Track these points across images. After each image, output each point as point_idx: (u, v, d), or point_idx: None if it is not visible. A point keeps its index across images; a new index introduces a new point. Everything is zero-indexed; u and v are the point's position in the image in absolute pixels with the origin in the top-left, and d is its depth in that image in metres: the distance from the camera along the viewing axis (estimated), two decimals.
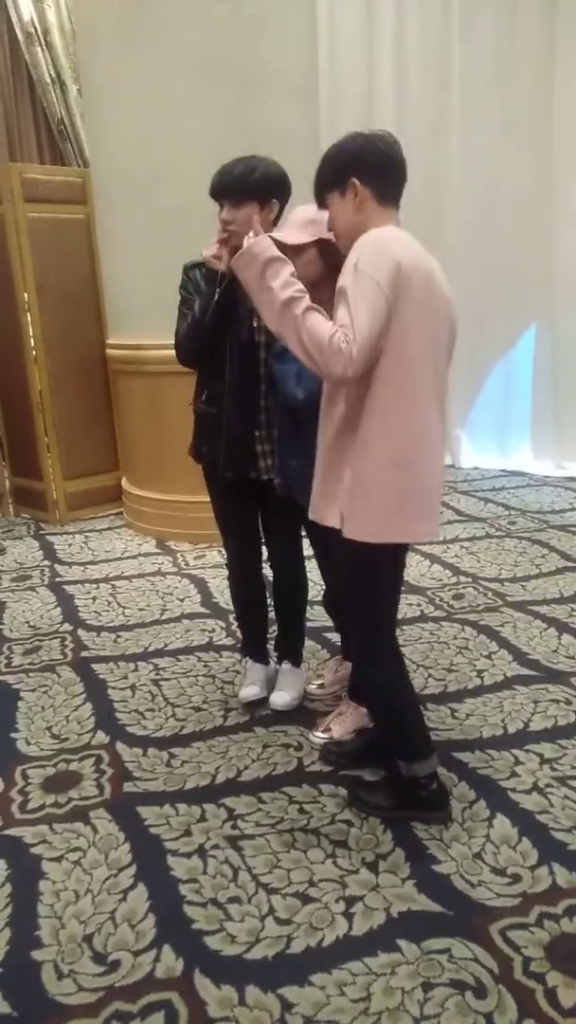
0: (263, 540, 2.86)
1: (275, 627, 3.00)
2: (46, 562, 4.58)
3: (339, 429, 2.01)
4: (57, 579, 4.28)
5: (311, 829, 2.23)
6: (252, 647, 3.01)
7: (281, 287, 1.88)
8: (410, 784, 2.23)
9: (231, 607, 3.19)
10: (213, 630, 3.55)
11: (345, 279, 1.84)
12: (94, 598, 3.99)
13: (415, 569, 4.14)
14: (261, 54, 4.24)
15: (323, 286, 2.22)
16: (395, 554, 2.15)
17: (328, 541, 2.22)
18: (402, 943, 1.83)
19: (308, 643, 3.12)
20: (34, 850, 2.19)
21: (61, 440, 5.22)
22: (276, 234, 2.15)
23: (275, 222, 2.41)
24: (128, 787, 2.46)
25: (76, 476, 5.35)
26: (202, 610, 3.78)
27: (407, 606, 3.67)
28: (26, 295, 4.97)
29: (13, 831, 2.28)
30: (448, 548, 4.48)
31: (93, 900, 2.00)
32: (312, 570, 2.88)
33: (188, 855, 2.15)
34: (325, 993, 1.71)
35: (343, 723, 2.66)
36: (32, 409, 5.15)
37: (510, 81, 5.82)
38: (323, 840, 2.19)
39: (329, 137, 5.23)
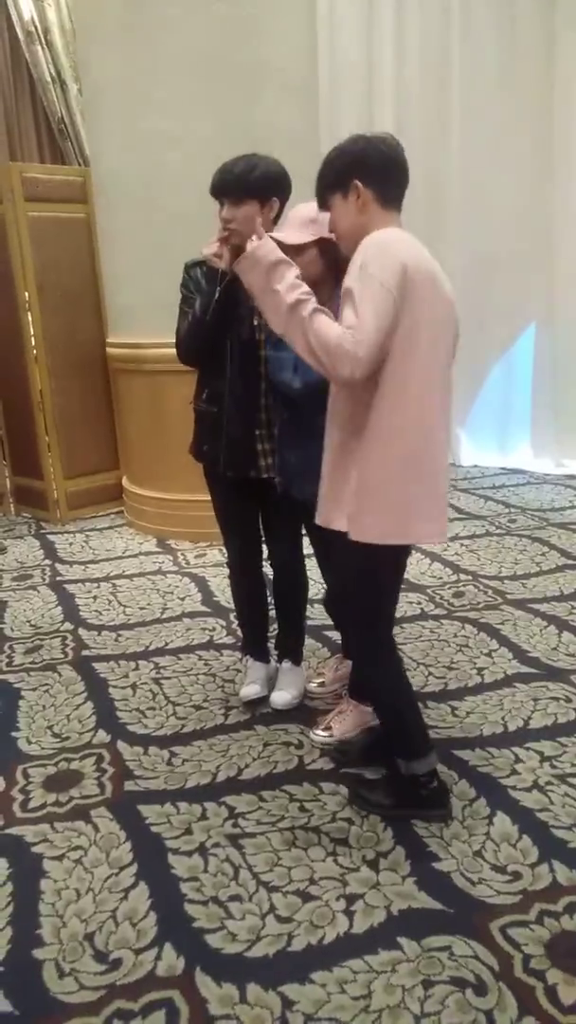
0: (263, 539, 2.86)
1: (275, 626, 3.00)
2: (47, 561, 4.58)
3: (346, 432, 2.01)
4: (58, 578, 4.29)
5: (312, 827, 2.23)
6: (253, 646, 3.02)
7: (287, 290, 1.89)
8: (410, 782, 2.23)
9: (231, 606, 3.19)
10: (214, 629, 3.56)
11: (351, 281, 1.84)
12: (95, 597, 4.00)
13: (415, 567, 4.14)
14: (261, 53, 4.24)
15: (323, 285, 2.23)
16: (398, 555, 2.16)
17: (328, 541, 2.22)
18: (403, 941, 1.83)
19: (308, 641, 3.12)
20: (35, 849, 2.20)
21: (61, 439, 5.23)
22: (277, 234, 2.15)
23: (275, 220, 2.41)
24: (129, 786, 2.46)
25: (77, 475, 5.35)
26: (203, 609, 3.79)
27: (407, 604, 3.67)
28: (26, 294, 4.97)
29: (14, 830, 2.28)
30: (448, 546, 4.48)
31: (94, 898, 2.00)
32: (312, 568, 2.88)
33: (189, 853, 2.15)
34: (326, 991, 1.71)
35: (344, 721, 2.67)
36: (32, 408, 5.15)
37: (510, 81, 5.82)
38: (324, 838, 2.19)
39: (329, 136, 5.29)
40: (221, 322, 2.47)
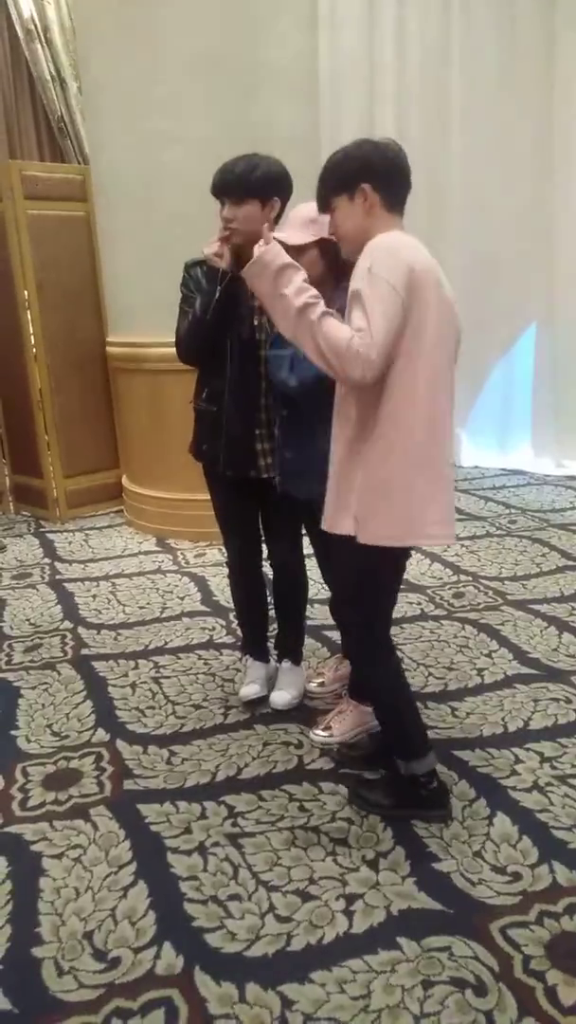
0: (263, 538, 2.86)
1: (275, 625, 3.00)
2: (46, 560, 4.58)
3: (353, 437, 2.00)
4: (57, 577, 4.28)
5: (311, 827, 2.23)
6: (252, 645, 3.01)
7: (295, 294, 1.89)
8: (410, 782, 2.23)
9: (231, 605, 3.19)
10: (213, 628, 3.55)
11: (359, 283, 1.84)
12: (94, 596, 3.99)
13: (415, 568, 4.14)
14: (262, 53, 4.24)
15: (323, 286, 2.22)
16: (399, 557, 2.16)
17: (329, 541, 2.22)
18: (402, 941, 1.83)
19: (308, 641, 3.12)
20: (34, 847, 2.20)
21: (61, 438, 5.22)
22: (278, 234, 2.15)
23: (276, 220, 2.41)
24: (128, 785, 2.46)
25: (76, 474, 5.35)
26: (202, 608, 3.78)
27: (407, 604, 3.67)
28: (26, 293, 4.97)
29: (13, 828, 2.28)
30: (448, 547, 4.48)
31: (93, 897, 2.00)
32: (312, 568, 2.88)
33: (188, 853, 2.15)
34: (325, 990, 1.71)
35: (343, 721, 2.66)
36: (32, 407, 5.15)
37: (510, 81, 5.81)
38: (323, 838, 2.19)
39: (330, 136, 5.30)
40: (221, 321, 2.47)
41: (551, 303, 6.03)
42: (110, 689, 3.04)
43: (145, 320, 4.51)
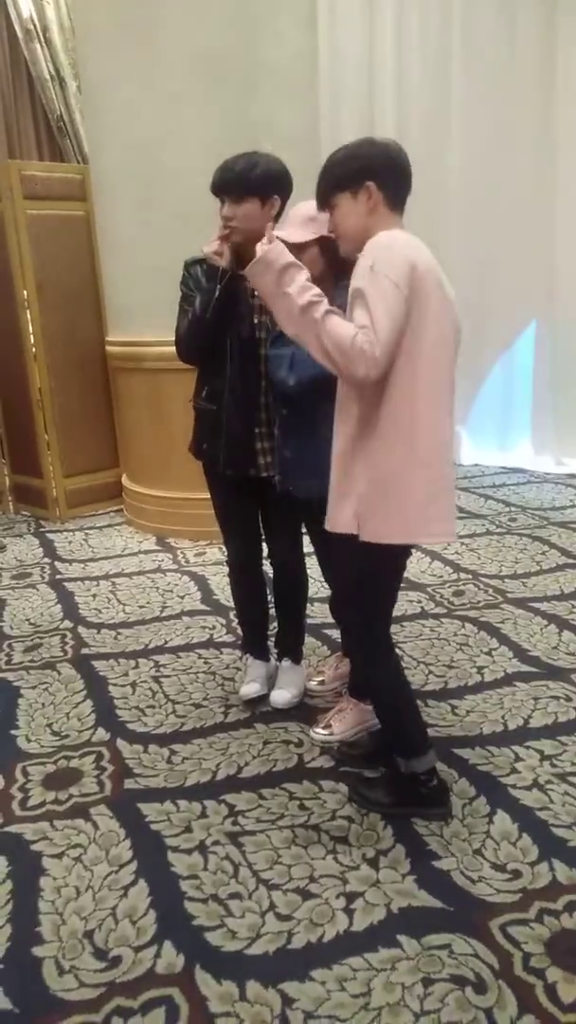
0: (263, 537, 2.86)
1: (275, 624, 3.00)
2: (46, 559, 4.58)
3: (354, 436, 2.00)
4: (57, 576, 4.28)
5: (312, 825, 2.23)
6: (252, 644, 3.01)
7: (299, 292, 1.89)
8: (410, 780, 2.23)
9: (231, 604, 3.19)
10: (213, 627, 3.56)
11: (361, 281, 1.84)
12: (94, 595, 3.99)
13: (415, 566, 4.14)
14: (261, 51, 4.23)
15: (323, 284, 2.22)
16: (400, 555, 2.16)
17: (329, 539, 2.22)
18: (402, 939, 1.83)
19: (308, 640, 3.12)
20: (35, 847, 2.20)
21: (61, 437, 5.22)
22: (278, 232, 2.15)
23: (276, 218, 2.41)
24: (129, 784, 2.46)
25: (76, 473, 5.35)
26: (202, 607, 3.78)
27: (408, 603, 3.67)
28: (26, 292, 4.97)
29: (14, 828, 2.28)
30: (448, 545, 4.47)
31: (94, 896, 2.00)
32: (312, 567, 2.88)
33: (189, 851, 2.15)
34: (326, 988, 1.71)
35: (344, 720, 2.67)
36: (32, 406, 5.15)
37: (511, 80, 5.81)
38: (323, 836, 2.19)
39: (329, 135, 5.29)
40: (221, 320, 2.47)
41: (551, 301, 6.03)
42: (110, 688, 3.05)
43: (145, 319, 4.51)
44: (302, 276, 1.92)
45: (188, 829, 2.24)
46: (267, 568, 2.90)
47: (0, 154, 6.84)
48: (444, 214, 5.95)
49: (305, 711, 2.83)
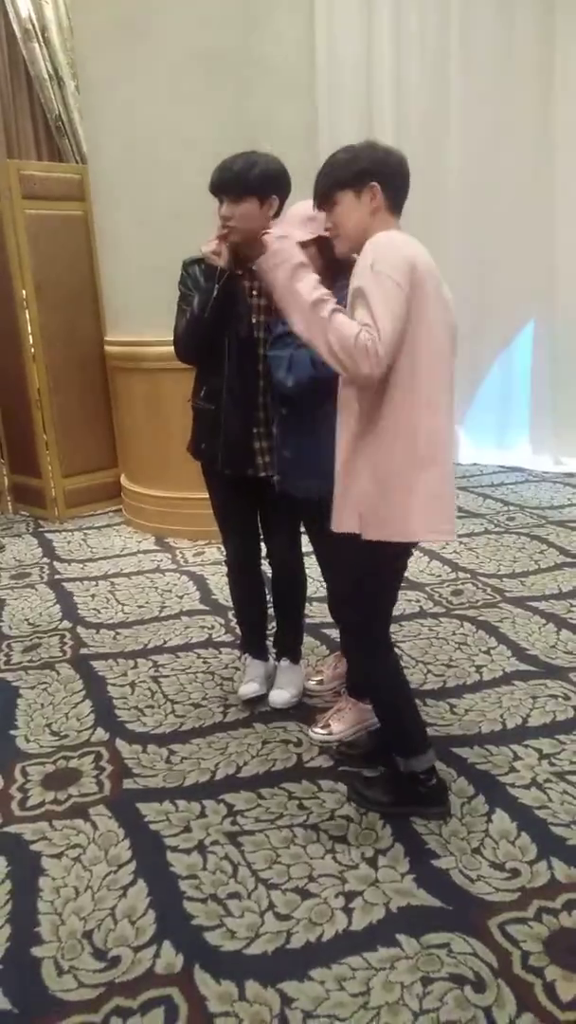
0: (262, 537, 2.86)
1: (274, 623, 3.00)
2: (45, 559, 4.58)
3: (356, 435, 2.01)
4: (56, 576, 4.28)
5: (310, 825, 2.23)
6: (251, 644, 3.01)
7: (309, 289, 1.89)
8: (409, 779, 2.23)
9: (230, 604, 3.19)
10: (212, 627, 3.56)
11: (362, 280, 1.85)
12: (93, 595, 3.99)
13: (414, 565, 4.13)
14: (259, 51, 4.23)
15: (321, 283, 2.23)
16: (401, 554, 2.17)
17: (328, 539, 2.22)
18: (401, 938, 1.83)
19: (307, 639, 3.12)
20: (34, 847, 2.20)
21: (60, 437, 5.22)
22: (276, 231, 2.16)
23: (274, 218, 2.41)
24: (128, 784, 2.46)
25: (75, 473, 5.35)
26: (201, 607, 3.78)
27: (406, 602, 3.67)
28: (24, 292, 4.96)
29: (13, 828, 2.28)
30: (447, 544, 4.47)
31: (93, 896, 2.00)
32: (311, 567, 2.88)
33: (188, 851, 2.15)
34: (324, 988, 1.71)
35: (342, 719, 2.67)
36: (31, 406, 5.15)
37: (510, 79, 5.81)
38: (322, 836, 2.19)
39: (328, 134, 5.29)
40: (219, 319, 2.47)
41: (549, 300, 6.03)
42: (109, 688, 3.05)
43: (143, 319, 4.51)
44: (313, 277, 1.93)
45: (187, 829, 2.24)
46: (266, 568, 2.90)
47: None
48: (443, 213, 5.94)
49: (304, 711, 2.83)
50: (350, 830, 2.21)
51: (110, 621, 3.67)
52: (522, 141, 5.85)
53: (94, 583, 4.16)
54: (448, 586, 3.91)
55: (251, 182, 2.33)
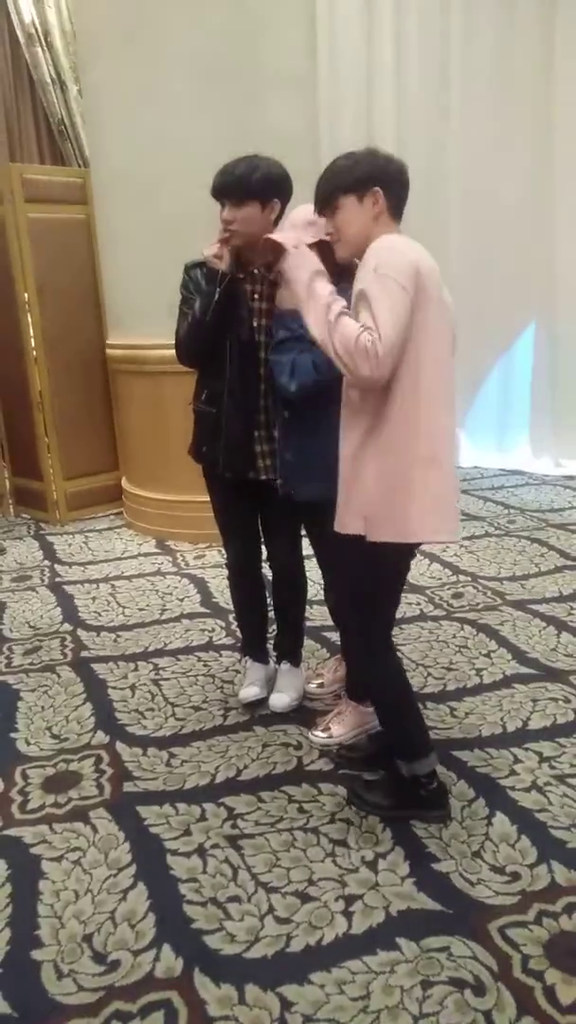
0: (263, 540, 2.86)
1: (274, 627, 3.00)
2: (46, 562, 4.58)
3: (361, 438, 2.01)
4: (57, 579, 4.29)
5: (311, 828, 2.23)
6: (252, 647, 3.01)
7: (324, 293, 1.93)
8: (410, 783, 2.23)
9: (231, 607, 3.19)
10: (213, 630, 3.56)
11: (365, 283, 1.86)
12: (94, 598, 3.99)
13: (415, 568, 4.13)
14: (261, 55, 4.24)
15: None
16: (404, 557, 2.17)
17: (330, 542, 2.22)
18: (401, 941, 1.83)
19: (307, 642, 3.12)
20: (34, 850, 2.20)
21: (61, 440, 5.23)
22: (277, 236, 2.17)
23: (276, 222, 2.41)
24: (128, 787, 2.46)
25: (76, 476, 5.35)
26: (202, 610, 3.79)
27: (407, 605, 3.67)
28: (26, 295, 4.97)
29: (13, 831, 2.28)
30: (447, 547, 4.47)
31: (93, 900, 2.00)
32: (312, 570, 2.88)
33: (188, 854, 2.15)
34: (324, 991, 1.71)
35: (343, 722, 2.67)
36: (32, 409, 5.15)
37: (510, 81, 5.81)
38: (322, 839, 2.19)
39: (329, 138, 5.28)
40: (221, 323, 2.47)
41: (550, 302, 6.03)
42: (110, 691, 3.05)
43: (145, 322, 4.51)
44: (328, 284, 1.97)
45: (187, 832, 2.24)
46: (266, 571, 2.90)
47: (1, 157, 6.84)
48: (443, 216, 5.94)
49: (304, 714, 2.83)
50: (350, 833, 2.20)
51: (111, 624, 3.67)
52: (523, 144, 5.84)
53: (95, 586, 4.16)
54: (448, 589, 3.90)
55: (253, 186, 2.33)
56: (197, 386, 2.67)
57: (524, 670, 3.07)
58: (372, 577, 2.14)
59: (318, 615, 3.43)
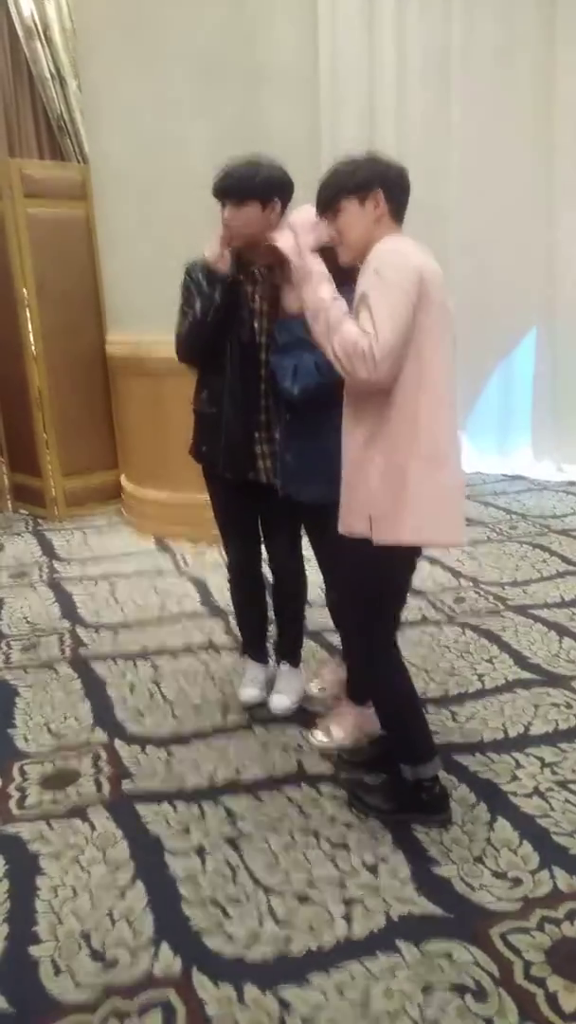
0: (263, 540, 2.84)
1: (274, 627, 2.99)
2: (44, 559, 4.56)
3: (364, 440, 2.01)
4: (55, 576, 4.27)
5: (311, 830, 2.22)
6: (251, 647, 3.00)
7: (329, 296, 1.95)
8: (412, 787, 2.22)
9: (230, 607, 3.17)
10: (212, 629, 3.54)
11: (366, 286, 1.86)
12: (92, 596, 3.98)
13: (416, 572, 4.10)
14: (262, 54, 4.23)
15: None
16: (407, 559, 2.16)
17: (332, 544, 2.21)
18: (402, 945, 1.82)
19: (307, 643, 3.11)
20: (32, 847, 2.18)
21: (60, 437, 5.21)
22: (281, 236, 2.16)
23: (276, 223, 2.40)
24: (126, 785, 2.45)
25: (75, 473, 5.34)
26: (201, 609, 3.77)
27: (408, 610, 3.63)
28: (25, 292, 4.95)
29: (11, 828, 2.26)
30: (449, 552, 4.45)
31: (91, 897, 1.99)
32: (312, 570, 2.86)
33: (187, 854, 2.14)
34: (324, 995, 1.70)
35: (342, 724, 2.65)
36: (31, 406, 5.13)
37: (511, 81, 5.81)
38: (323, 841, 2.17)
39: (330, 139, 5.28)
40: (221, 323, 2.46)
41: (551, 307, 6.03)
42: (108, 689, 3.03)
43: (145, 320, 4.49)
44: (330, 284, 1.98)
45: (186, 832, 2.22)
46: (266, 571, 2.89)
47: (0, 153, 6.81)
48: (444, 218, 5.93)
49: (304, 715, 2.81)
50: (351, 836, 2.19)
51: (109, 622, 3.65)
52: (524, 146, 5.84)
53: (93, 583, 4.14)
54: (450, 594, 3.89)
55: (254, 187, 2.32)
56: (197, 386, 2.66)
57: (526, 675, 3.06)
58: (374, 580, 2.13)
59: (318, 616, 3.41)
